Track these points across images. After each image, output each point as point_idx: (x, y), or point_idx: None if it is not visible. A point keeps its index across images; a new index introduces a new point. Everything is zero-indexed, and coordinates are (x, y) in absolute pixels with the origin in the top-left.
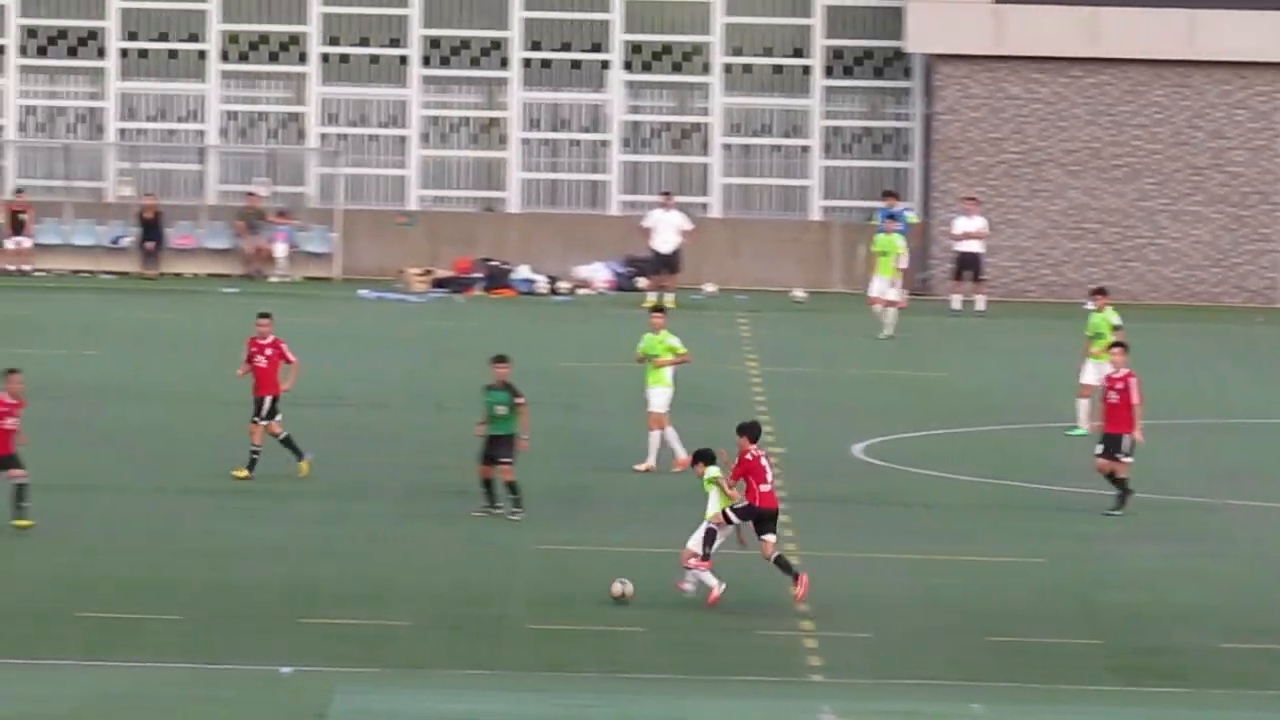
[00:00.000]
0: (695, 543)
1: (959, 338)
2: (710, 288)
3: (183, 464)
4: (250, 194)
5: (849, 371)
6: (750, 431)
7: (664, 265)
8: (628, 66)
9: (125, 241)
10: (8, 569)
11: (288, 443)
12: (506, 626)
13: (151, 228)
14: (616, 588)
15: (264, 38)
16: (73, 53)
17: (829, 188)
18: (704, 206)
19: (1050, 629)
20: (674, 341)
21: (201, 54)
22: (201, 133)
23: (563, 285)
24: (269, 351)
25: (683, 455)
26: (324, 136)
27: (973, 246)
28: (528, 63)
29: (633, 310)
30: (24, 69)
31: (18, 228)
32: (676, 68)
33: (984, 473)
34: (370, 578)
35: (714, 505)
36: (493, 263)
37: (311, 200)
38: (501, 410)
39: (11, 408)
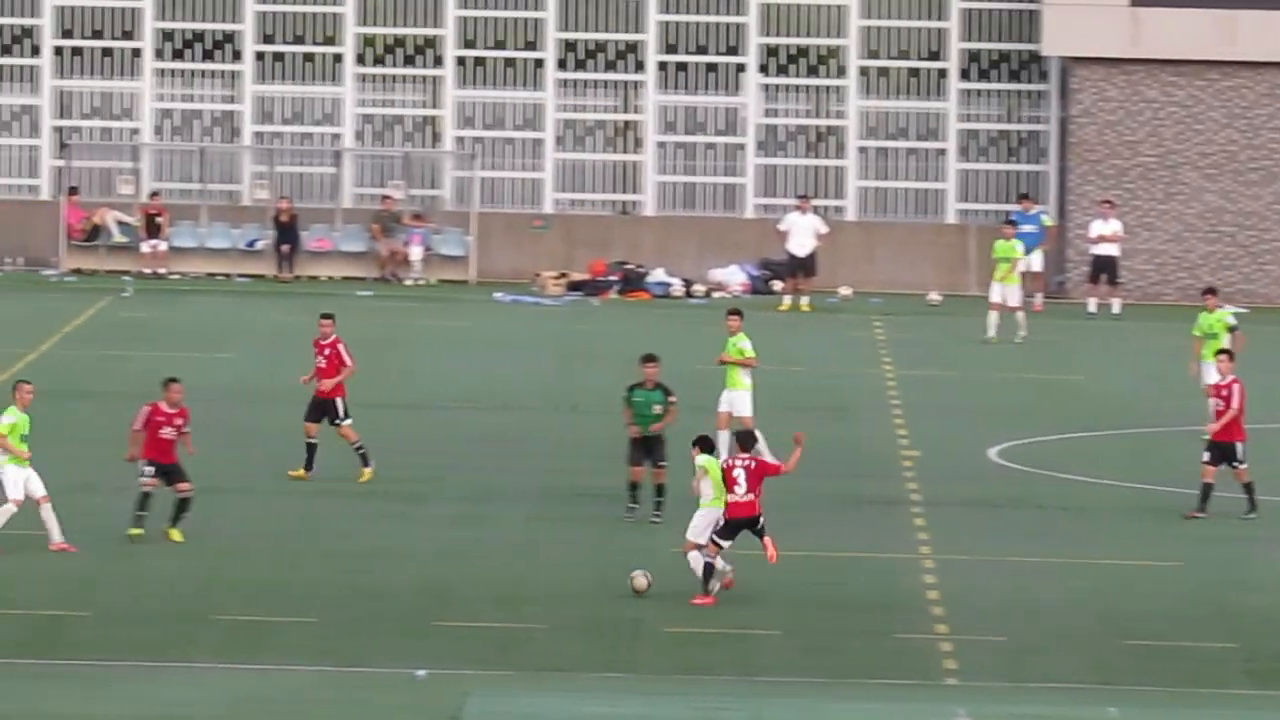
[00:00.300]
0: (693, 533)
1: (1094, 341)
2: (845, 291)
3: (317, 467)
4: (386, 197)
5: (984, 374)
6: (701, 444)
7: (799, 268)
8: (763, 69)
9: (260, 244)
10: (145, 572)
11: (311, 450)
12: (642, 629)
13: (287, 230)
14: (640, 581)
15: (400, 41)
16: (208, 56)
17: (965, 191)
18: (839, 209)
19: (1187, 632)
20: (745, 345)
21: (337, 57)
22: (337, 135)
23: (698, 288)
24: (328, 352)
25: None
26: (459, 139)
27: (1109, 249)
28: (663, 66)
29: (768, 314)
30: (160, 72)
31: (153, 231)
32: (812, 70)
33: (1120, 476)
34: (505, 580)
35: (707, 494)
36: (628, 265)
37: (447, 203)
38: (658, 409)
39: (170, 417)
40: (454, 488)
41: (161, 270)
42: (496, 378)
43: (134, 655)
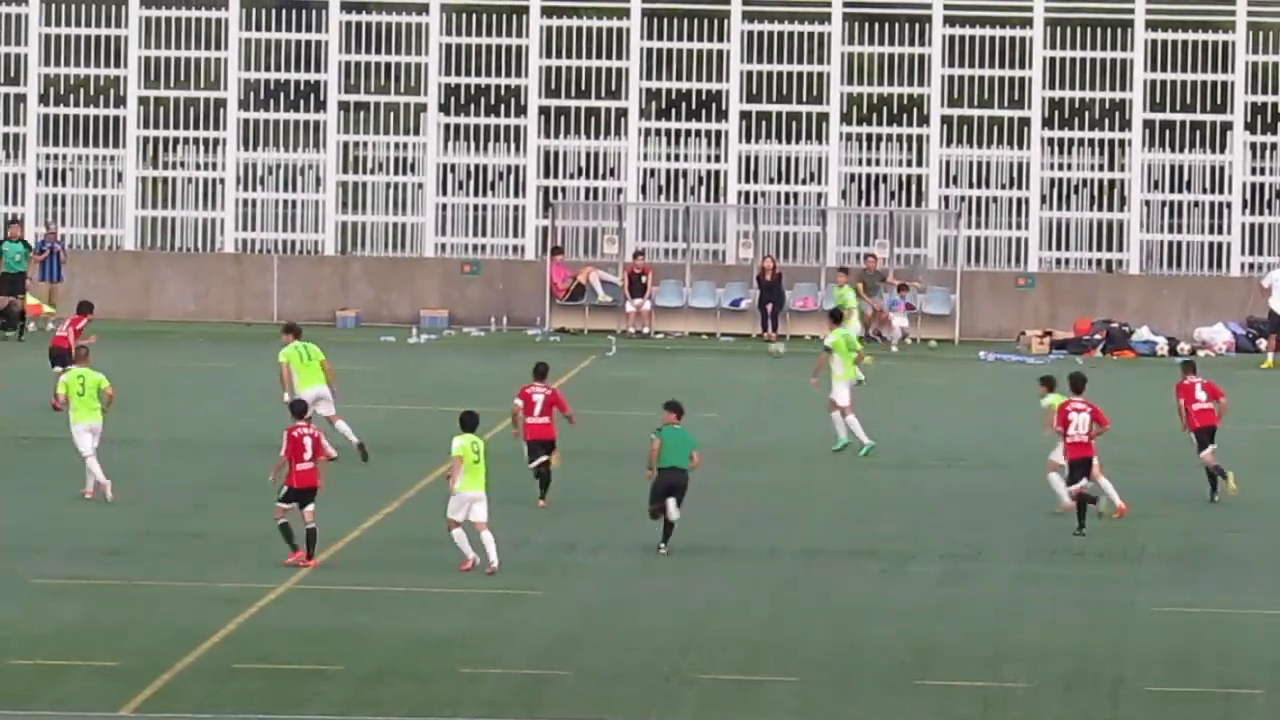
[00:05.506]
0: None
1: None
2: None
3: (801, 525)
4: (869, 256)
5: None
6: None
7: None
8: (1249, 128)
9: (744, 303)
10: (627, 630)
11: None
12: (1123, 688)
13: (771, 289)
14: None
15: (885, 99)
16: (694, 115)
17: None
18: None
19: None
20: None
21: (823, 116)
22: (822, 194)
23: (1183, 347)
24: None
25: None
26: (944, 198)
27: None
28: (1149, 124)
29: (1251, 371)
30: (645, 131)
31: (637, 290)
32: None
33: None
34: (988, 638)
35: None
36: (1112, 324)
37: (931, 262)
38: None
39: None
40: (939, 545)
41: (645, 329)
42: (980, 436)
43: (615, 713)
